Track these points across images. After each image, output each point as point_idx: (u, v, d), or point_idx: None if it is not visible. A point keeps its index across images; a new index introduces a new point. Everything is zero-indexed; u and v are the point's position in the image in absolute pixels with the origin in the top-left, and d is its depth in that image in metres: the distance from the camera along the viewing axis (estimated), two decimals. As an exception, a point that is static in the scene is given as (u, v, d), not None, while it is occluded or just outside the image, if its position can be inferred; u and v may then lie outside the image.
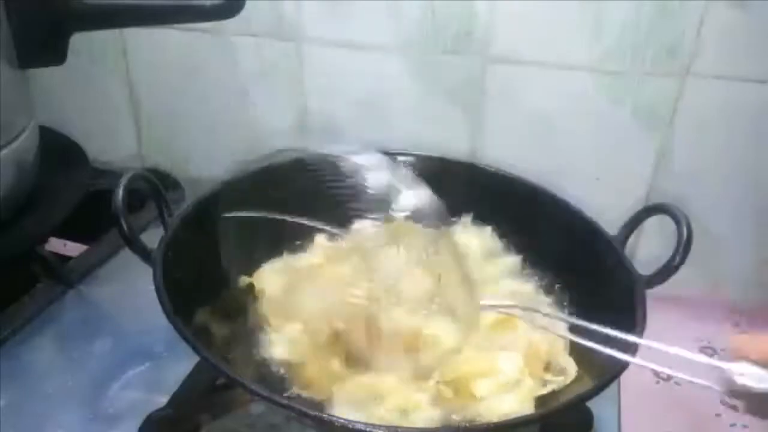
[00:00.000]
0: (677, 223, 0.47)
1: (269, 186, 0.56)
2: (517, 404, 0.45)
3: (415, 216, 0.51)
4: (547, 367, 0.48)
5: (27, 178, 0.60)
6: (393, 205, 0.51)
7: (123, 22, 0.64)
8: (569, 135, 0.67)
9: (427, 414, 0.44)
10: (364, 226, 0.59)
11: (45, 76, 0.61)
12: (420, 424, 0.43)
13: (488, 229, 0.58)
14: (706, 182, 0.65)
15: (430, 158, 0.61)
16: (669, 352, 0.39)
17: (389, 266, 0.53)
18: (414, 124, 0.70)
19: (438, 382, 0.46)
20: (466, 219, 0.59)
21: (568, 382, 0.47)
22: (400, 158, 0.62)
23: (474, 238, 0.58)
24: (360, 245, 0.56)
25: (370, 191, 0.56)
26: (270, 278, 0.53)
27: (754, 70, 0.60)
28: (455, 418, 0.44)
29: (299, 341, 0.48)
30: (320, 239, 0.57)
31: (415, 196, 0.51)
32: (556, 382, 0.47)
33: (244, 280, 0.52)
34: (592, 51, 0.63)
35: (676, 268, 0.47)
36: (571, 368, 0.47)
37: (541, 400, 0.45)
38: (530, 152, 0.67)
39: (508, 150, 0.68)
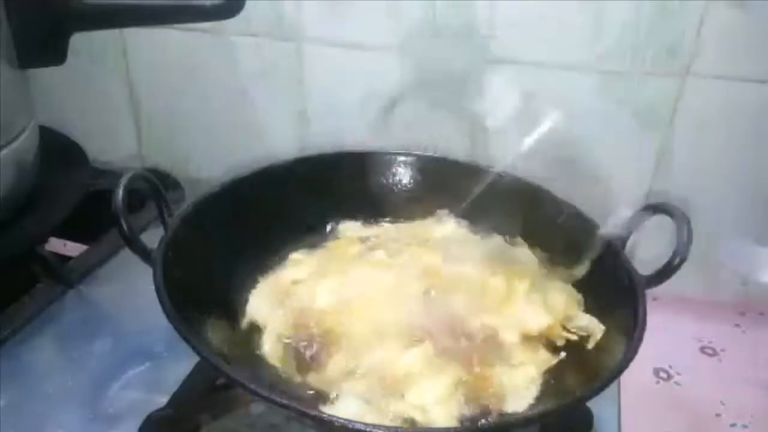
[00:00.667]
0: (677, 223, 0.47)
1: (266, 189, 0.56)
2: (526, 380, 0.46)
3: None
4: (566, 328, 0.49)
5: (27, 178, 0.60)
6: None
7: (123, 22, 0.64)
8: (569, 135, 0.67)
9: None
10: (350, 228, 0.59)
11: (45, 76, 0.61)
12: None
13: (464, 222, 0.59)
14: (706, 182, 0.65)
15: (430, 158, 0.62)
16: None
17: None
18: (414, 124, 0.70)
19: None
20: (443, 212, 0.60)
21: (598, 337, 0.47)
22: (400, 158, 0.62)
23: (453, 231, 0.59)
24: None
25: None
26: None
27: (754, 70, 0.60)
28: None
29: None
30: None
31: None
32: (583, 338, 0.48)
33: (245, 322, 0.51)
34: (592, 51, 0.63)
35: (676, 268, 0.46)
36: (595, 326, 0.48)
37: (540, 400, 0.46)
38: (530, 152, 0.67)
39: (508, 150, 0.68)
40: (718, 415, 0.56)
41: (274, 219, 0.56)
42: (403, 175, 0.62)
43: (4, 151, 0.56)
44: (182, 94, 0.76)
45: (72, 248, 0.68)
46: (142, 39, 0.74)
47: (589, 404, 0.49)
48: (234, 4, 0.58)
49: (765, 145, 0.63)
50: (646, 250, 0.67)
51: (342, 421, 0.37)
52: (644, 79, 0.63)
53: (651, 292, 0.46)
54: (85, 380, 0.52)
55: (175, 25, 0.71)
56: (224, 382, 0.49)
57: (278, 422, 0.47)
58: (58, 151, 0.67)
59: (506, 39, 0.64)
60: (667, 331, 0.62)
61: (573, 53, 0.63)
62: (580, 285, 0.53)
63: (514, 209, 0.57)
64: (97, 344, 0.56)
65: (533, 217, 0.57)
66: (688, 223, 0.47)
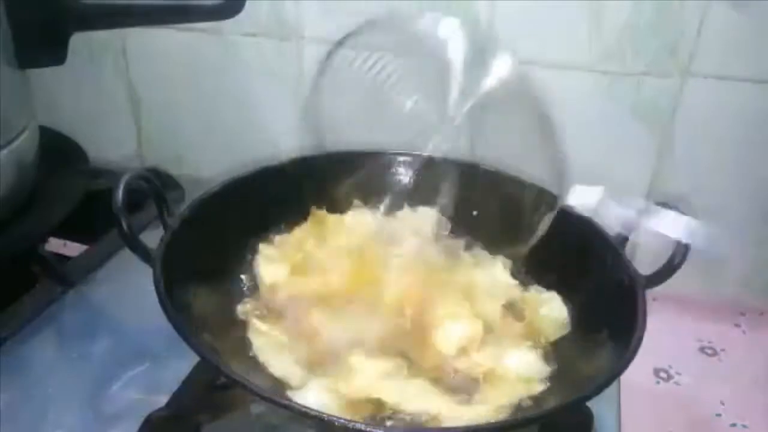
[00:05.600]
0: (677, 223, 0.47)
1: (266, 188, 0.56)
2: None
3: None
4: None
5: (27, 178, 0.60)
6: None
7: (123, 22, 0.64)
8: (569, 135, 0.67)
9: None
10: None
11: (45, 76, 0.61)
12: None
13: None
14: (706, 182, 0.65)
15: (430, 158, 0.61)
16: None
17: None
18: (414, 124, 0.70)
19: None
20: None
21: None
22: (400, 158, 0.62)
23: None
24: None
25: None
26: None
27: (754, 70, 0.60)
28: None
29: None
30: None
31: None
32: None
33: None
34: (592, 51, 0.63)
35: (676, 268, 0.47)
36: None
37: (539, 400, 0.46)
38: (530, 152, 0.67)
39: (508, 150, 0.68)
40: (718, 415, 0.56)
41: (274, 219, 0.56)
42: (403, 175, 0.62)
43: (4, 151, 0.56)
44: (182, 95, 0.76)
45: (72, 248, 0.68)
46: (142, 39, 0.74)
47: (589, 404, 0.48)
48: (234, 4, 0.58)
49: (765, 144, 0.63)
50: (646, 250, 0.67)
51: (342, 421, 0.37)
52: (644, 79, 0.63)
53: (651, 292, 0.46)
54: (85, 380, 0.52)
55: (175, 25, 0.71)
56: (224, 382, 0.49)
57: (278, 422, 0.47)
58: (58, 151, 0.67)
59: (506, 39, 0.64)
60: (667, 331, 0.62)
61: (573, 53, 0.63)
62: (580, 285, 0.53)
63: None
64: (97, 344, 0.56)
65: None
66: (688, 223, 0.47)
